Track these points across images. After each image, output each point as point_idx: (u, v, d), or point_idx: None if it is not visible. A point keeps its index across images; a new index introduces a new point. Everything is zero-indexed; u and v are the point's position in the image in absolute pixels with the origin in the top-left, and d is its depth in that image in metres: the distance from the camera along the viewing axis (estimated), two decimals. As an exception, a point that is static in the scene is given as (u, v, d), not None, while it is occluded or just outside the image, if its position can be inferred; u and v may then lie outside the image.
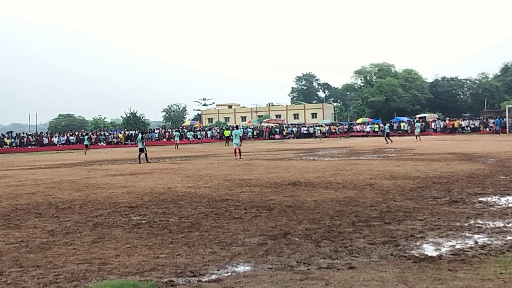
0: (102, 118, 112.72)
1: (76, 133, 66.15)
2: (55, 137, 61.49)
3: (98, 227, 8.44)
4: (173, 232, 7.72)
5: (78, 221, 9.02)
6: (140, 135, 27.45)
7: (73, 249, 6.86)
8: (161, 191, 12.93)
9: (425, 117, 71.18)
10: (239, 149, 26.86)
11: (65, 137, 61.45)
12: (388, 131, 46.64)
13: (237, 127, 31.85)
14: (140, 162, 25.48)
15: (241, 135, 28.48)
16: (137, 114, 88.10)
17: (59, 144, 58.60)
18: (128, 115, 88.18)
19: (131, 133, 64.81)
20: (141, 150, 26.12)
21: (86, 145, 47.01)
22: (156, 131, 68.94)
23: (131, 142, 61.54)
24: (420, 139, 43.80)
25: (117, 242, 7.19)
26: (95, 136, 62.97)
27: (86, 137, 52.37)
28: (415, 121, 62.35)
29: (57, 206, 10.95)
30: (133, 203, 10.94)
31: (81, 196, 12.46)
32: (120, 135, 63.47)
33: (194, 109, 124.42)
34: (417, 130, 47.78)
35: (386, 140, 42.08)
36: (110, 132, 69.16)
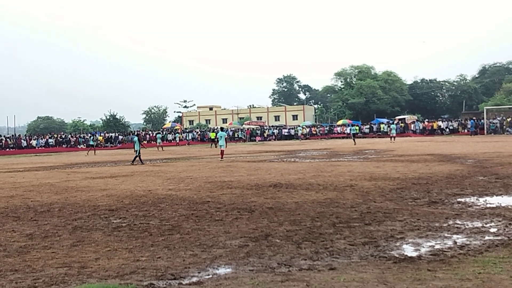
0: (81, 121, 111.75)
1: (55, 135, 65.42)
2: (34, 139, 60.76)
3: (77, 230, 8.35)
4: (154, 235, 7.67)
5: (57, 225, 8.92)
6: (135, 138, 27.86)
7: (52, 253, 6.78)
8: (142, 193, 12.85)
9: (404, 118, 71.84)
10: (222, 151, 27.33)
11: (44, 139, 60.75)
12: (355, 132, 47.88)
13: (222, 129, 32.28)
14: (134, 164, 25.84)
15: (226, 136, 28.98)
16: (117, 116, 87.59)
17: (38, 147, 57.93)
18: (108, 117, 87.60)
19: (111, 136, 64.34)
20: (137, 152, 26.59)
21: (92, 145, 47.74)
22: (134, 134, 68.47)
23: (111, 145, 61.13)
24: (394, 141, 44.46)
25: (96, 246, 7.12)
26: (74, 138, 62.36)
27: (92, 138, 52.43)
28: (390, 122, 63.04)
29: (35, 209, 10.82)
30: (113, 206, 10.86)
31: (60, 199, 12.33)
32: (100, 138, 62.91)
33: (175, 111, 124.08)
34: (393, 132, 48.51)
35: (353, 141, 43.87)
36: (90, 134, 68.53)
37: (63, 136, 64.86)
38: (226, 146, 27.67)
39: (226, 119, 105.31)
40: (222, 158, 26.99)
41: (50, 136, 63.98)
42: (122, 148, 57.85)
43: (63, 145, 59.64)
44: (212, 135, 52.60)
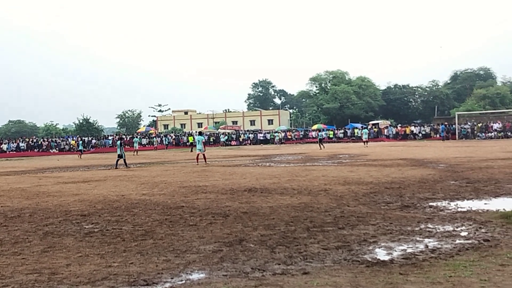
0: (54, 124, 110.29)
1: (27, 139, 64.41)
2: (5, 144, 59.69)
3: (48, 236, 8.22)
4: (126, 240, 7.59)
5: (27, 230, 8.77)
6: (119, 142, 27.85)
7: (22, 259, 6.66)
8: (115, 198, 12.72)
9: (378, 123, 72.64)
10: (204, 155, 27.27)
11: (15, 144, 59.76)
12: (321, 138, 49.04)
13: (200, 134, 32.51)
14: (117, 168, 25.92)
15: (203, 140, 29.09)
16: (90, 120, 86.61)
17: (9, 151, 56.97)
18: (81, 121, 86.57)
19: (84, 140, 63.61)
20: (120, 156, 26.63)
21: (80, 150, 47.53)
22: (110, 138, 67.85)
23: (84, 149, 60.45)
24: (367, 145, 45.20)
25: (68, 251, 7.02)
26: (47, 142, 61.49)
27: (80, 142, 51.95)
28: (362, 127, 63.85)
29: (5, 214, 10.62)
30: (85, 211, 10.72)
31: (31, 204, 12.13)
32: (73, 142, 62.16)
33: (149, 115, 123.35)
34: (365, 136, 49.37)
35: (320, 146, 45.22)
36: (62, 138, 67.63)
37: (35, 140, 63.93)
38: (204, 150, 27.72)
39: (201, 123, 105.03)
40: (198, 163, 26.89)
41: (21, 140, 62.98)
42: (95, 153, 57.29)
43: (35, 150, 58.77)
44: (190, 139, 52.43)
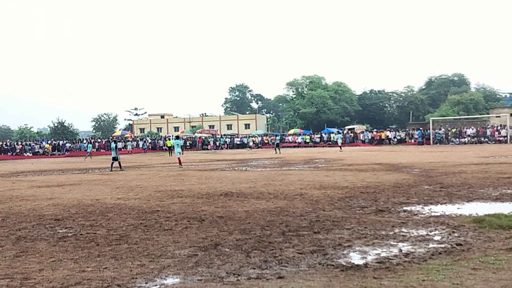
0: (28, 128, 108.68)
1: (0, 143, 63.29)
2: (-23, 147, 58.61)
3: (21, 240, 8.10)
4: (101, 245, 7.52)
5: (0, 235, 8.63)
6: (113, 144, 28.46)
7: (-7, 265, 6.55)
8: (89, 203, 12.59)
9: (353, 128, 73.21)
10: (179, 158, 28.49)
11: (-12, 147, 58.70)
12: (278, 142, 50.25)
13: (177, 137, 33.28)
14: (112, 170, 26.18)
15: (181, 144, 30.55)
16: (65, 124, 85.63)
17: (-19, 155, 55.91)
18: (56, 124, 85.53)
19: (59, 143, 62.81)
20: (114, 159, 27.00)
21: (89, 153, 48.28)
22: (85, 141, 67.12)
23: (59, 153, 59.67)
24: (342, 150, 45.93)
25: (41, 256, 6.92)
26: (20, 146, 60.53)
27: (90, 145, 52.27)
28: (338, 132, 64.60)
29: (-24, 219, 10.42)
30: (59, 215, 10.58)
31: (3, 209, 11.93)
32: (47, 145, 61.31)
33: (125, 119, 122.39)
34: (339, 141, 50.39)
35: (275, 150, 46.95)
36: (37, 142, 66.65)
37: (9, 144, 62.84)
38: (182, 153, 28.64)
39: (178, 127, 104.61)
40: (181, 165, 27.80)
41: (-6, 143, 61.90)
42: (70, 156, 56.61)
43: (9, 153, 57.78)
44: (169, 143, 52.10)
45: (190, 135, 79.38)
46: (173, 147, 30.91)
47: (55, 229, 9.00)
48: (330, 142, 63.97)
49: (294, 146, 65.89)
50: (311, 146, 64.36)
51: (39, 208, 11.81)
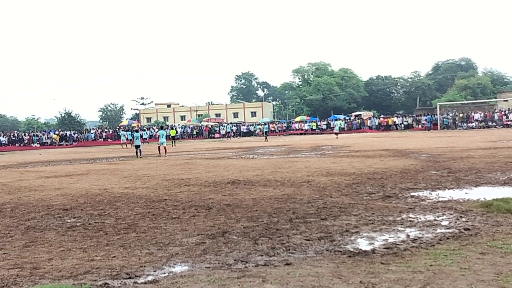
0: (35, 119, 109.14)
1: (8, 134, 63.61)
2: (-15, 138, 58.92)
3: (30, 230, 8.16)
4: (109, 234, 7.56)
5: (9, 225, 8.69)
6: (137, 134, 30.64)
7: (4, 254, 6.61)
8: (97, 192, 12.65)
9: (360, 114, 73.05)
10: (164, 147, 29.58)
11: (-4, 138, 58.99)
12: (266, 130, 51.29)
13: (161, 128, 35.98)
14: (140, 156, 28.29)
15: (165, 134, 31.99)
16: (72, 114, 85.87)
17: (-10, 146, 56.23)
18: (63, 115, 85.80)
19: (66, 134, 63.04)
20: (137, 147, 28.91)
21: (129, 139, 47.22)
22: (92, 131, 67.34)
23: (66, 143, 59.93)
24: (338, 137, 46.36)
25: (50, 246, 6.97)
26: (28, 137, 60.81)
27: (129, 133, 50.90)
28: (336, 120, 64.79)
29: (-14, 210, 10.51)
30: (67, 205, 10.65)
31: (12, 199, 12.02)
32: (55, 136, 61.56)
33: (132, 109, 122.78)
34: (336, 129, 51.28)
35: (265, 138, 49.15)
36: (44, 132, 66.93)
37: (17, 135, 63.15)
38: (165, 144, 30.20)
39: (184, 116, 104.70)
40: (161, 154, 29.31)
41: (2, 134, 62.16)
42: (77, 146, 56.83)
43: (17, 144, 58.07)
44: (172, 132, 52.14)
45: (196, 124, 79.50)
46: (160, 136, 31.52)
47: (63, 219, 9.06)
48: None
49: (301, 133, 65.86)
50: (317, 133, 64.28)
51: (48, 198, 11.88)
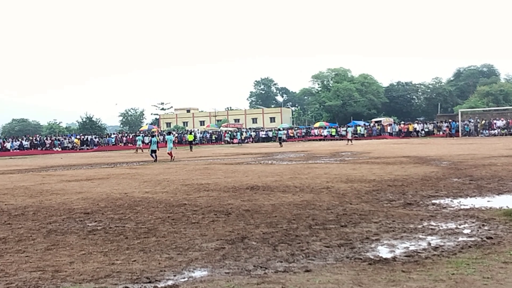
0: (57, 123, 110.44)
1: (30, 138, 64.45)
2: (8, 142, 59.75)
3: (52, 234, 8.24)
4: (129, 238, 7.61)
5: (31, 228, 8.79)
6: (154, 139, 31.45)
7: (26, 257, 6.68)
8: (118, 196, 12.74)
9: (380, 121, 72.58)
10: (171, 153, 30.57)
11: (19, 142, 59.81)
12: (281, 136, 51.51)
13: (169, 133, 36.90)
14: (155, 160, 29.05)
15: (173, 139, 33.32)
16: (93, 119, 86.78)
17: (13, 150, 56.98)
18: (84, 119, 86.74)
19: (87, 138, 63.66)
20: (154, 151, 29.77)
21: (139, 145, 48.41)
22: (113, 136, 67.91)
23: (87, 147, 60.51)
24: (351, 143, 46.32)
25: (71, 249, 7.04)
26: (50, 141, 61.53)
27: (140, 137, 52.06)
28: (347, 126, 64.65)
29: (9, 212, 10.64)
30: (88, 209, 10.74)
31: (34, 203, 12.16)
32: (76, 140, 62.20)
33: (152, 114, 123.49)
34: (350, 135, 50.93)
35: (280, 144, 49.21)
36: (65, 137, 67.67)
37: (39, 139, 63.95)
38: (173, 148, 31.53)
39: (203, 121, 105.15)
40: (172, 159, 30.10)
41: (25, 138, 63.03)
42: (98, 151, 57.35)
43: (39, 148, 58.80)
44: (190, 137, 52.30)
45: (215, 129, 79.72)
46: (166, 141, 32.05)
47: (84, 223, 9.14)
48: (356, 135, 63.62)
49: (320, 139, 65.64)
50: (337, 139, 64.00)
51: (69, 202, 12.00)
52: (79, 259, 6.46)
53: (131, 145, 61.66)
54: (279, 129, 62.61)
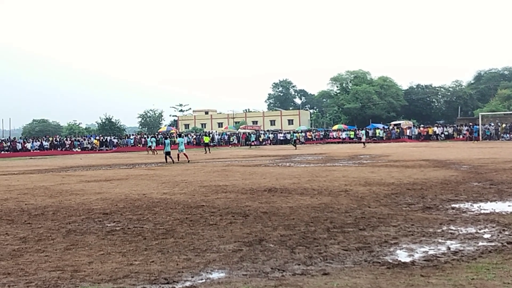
0: (77, 124, 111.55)
1: (50, 138, 65.21)
2: (29, 142, 60.54)
3: (71, 233, 8.32)
4: (148, 239, 7.65)
5: (50, 228, 8.88)
6: (167, 140, 31.56)
7: (45, 256, 6.75)
8: (136, 197, 12.82)
9: (400, 124, 72.04)
10: (184, 154, 30.53)
11: (39, 142, 60.55)
12: (295, 138, 51.53)
13: (180, 135, 37.54)
14: (173, 162, 29.25)
15: (184, 142, 33.69)
16: (112, 120, 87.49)
17: (33, 150, 57.73)
18: (103, 120, 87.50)
19: (106, 139, 64.20)
20: (168, 153, 29.86)
21: (150, 147, 48.97)
22: (131, 137, 68.39)
23: (106, 148, 61.01)
24: (365, 146, 46.19)
25: (90, 249, 7.10)
26: (70, 141, 62.18)
27: (154, 139, 52.15)
28: (361, 129, 64.46)
29: (29, 212, 10.78)
30: (107, 209, 10.83)
31: (54, 203, 12.29)
32: (95, 141, 62.78)
33: (170, 115, 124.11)
34: (364, 138, 51.15)
35: (295, 146, 49.81)
36: (85, 137, 68.33)
37: (58, 139, 64.69)
38: (183, 150, 31.28)
39: (221, 123, 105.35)
40: (179, 160, 30.02)
41: (45, 139, 63.80)
42: (117, 152, 57.78)
43: (58, 148, 59.48)
44: (206, 139, 52.41)
45: (233, 131, 79.81)
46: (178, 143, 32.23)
47: (103, 223, 9.21)
48: (375, 138, 63.27)
49: (338, 142, 65.35)
50: (355, 142, 63.66)
51: (88, 202, 12.11)
52: (98, 259, 6.51)
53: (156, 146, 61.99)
54: (294, 132, 62.72)
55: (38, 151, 57.44)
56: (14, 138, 69.14)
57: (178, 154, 30.42)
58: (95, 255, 6.75)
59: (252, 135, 69.20)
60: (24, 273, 5.94)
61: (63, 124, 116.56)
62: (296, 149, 46.58)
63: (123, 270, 5.90)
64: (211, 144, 64.16)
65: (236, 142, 69.17)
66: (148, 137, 57.03)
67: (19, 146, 58.56)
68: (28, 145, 59.06)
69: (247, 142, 67.20)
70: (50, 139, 64.29)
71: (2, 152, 55.54)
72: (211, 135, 62.70)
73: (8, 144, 58.88)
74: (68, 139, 65.76)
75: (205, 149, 48.21)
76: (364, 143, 50.07)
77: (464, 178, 15.10)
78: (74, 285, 5.41)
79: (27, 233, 8.44)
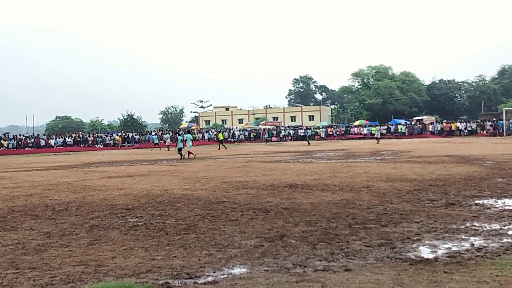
0: (99, 120, 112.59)
1: (73, 135, 65.94)
2: (52, 139, 61.30)
3: (94, 229, 8.42)
4: (170, 234, 7.71)
5: (74, 223, 9.00)
6: (180, 137, 31.35)
7: (69, 251, 6.85)
8: (158, 193, 12.91)
9: (422, 119, 71.30)
10: (189, 151, 30.63)
11: (62, 139, 61.27)
12: (309, 134, 51.43)
13: (188, 132, 38.07)
14: (186, 158, 29.69)
15: (192, 138, 33.40)
16: (134, 116, 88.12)
17: (56, 146, 58.40)
18: (125, 117, 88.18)
19: (128, 135, 64.70)
20: (180, 150, 30.15)
21: (157, 144, 50.62)
22: (153, 133, 68.81)
23: (128, 145, 61.50)
24: (378, 142, 46.00)
25: (113, 244, 7.18)
26: (92, 138, 62.82)
27: (156, 136, 53.82)
28: (374, 125, 64.09)
29: (53, 208, 10.93)
30: (129, 205, 10.93)
31: (77, 198, 12.44)
32: (117, 137, 63.32)
33: (191, 111, 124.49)
34: (377, 134, 52.70)
35: (308, 142, 48.87)
36: (107, 134, 68.95)
37: (81, 136, 65.37)
38: (192, 146, 31.86)
39: (242, 119, 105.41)
40: (194, 156, 30.40)
41: (68, 135, 64.53)
42: (139, 148, 58.19)
43: (81, 145, 60.12)
44: (220, 136, 52.34)
45: (254, 127, 79.81)
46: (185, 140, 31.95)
47: (126, 218, 9.30)
48: (397, 134, 62.69)
49: (360, 138, 64.88)
50: (377, 138, 63.14)
51: (111, 198, 12.23)
52: (121, 254, 6.58)
53: (171, 142, 62.39)
54: (307, 129, 62.91)
55: (61, 147, 58.08)
56: (38, 134, 70.01)
57: (188, 152, 30.67)
58: (118, 250, 6.82)
59: (267, 131, 69.13)
60: (49, 267, 6.03)
61: (86, 120, 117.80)
62: (309, 145, 46.22)
63: (146, 265, 5.95)
64: (232, 140, 64.20)
65: (256, 138, 69.11)
66: (165, 134, 57.65)
67: (42, 143, 59.28)
68: (52, 142, 59.77)
69: (267, 138, 67.17)
70: (73, 135, 64.96)
71: (26, 148, 56.33)
72: (225, 132, 62.67)
73: (32, 140, 59.64)
74: (91, 135, 66.39)
75: (219, 145, 48.13)
76: (377, 139, 49.64)
77: (488, 174, 14.91)
78: (98, 279, 5.47)
79: (51, 228, 8.57)
